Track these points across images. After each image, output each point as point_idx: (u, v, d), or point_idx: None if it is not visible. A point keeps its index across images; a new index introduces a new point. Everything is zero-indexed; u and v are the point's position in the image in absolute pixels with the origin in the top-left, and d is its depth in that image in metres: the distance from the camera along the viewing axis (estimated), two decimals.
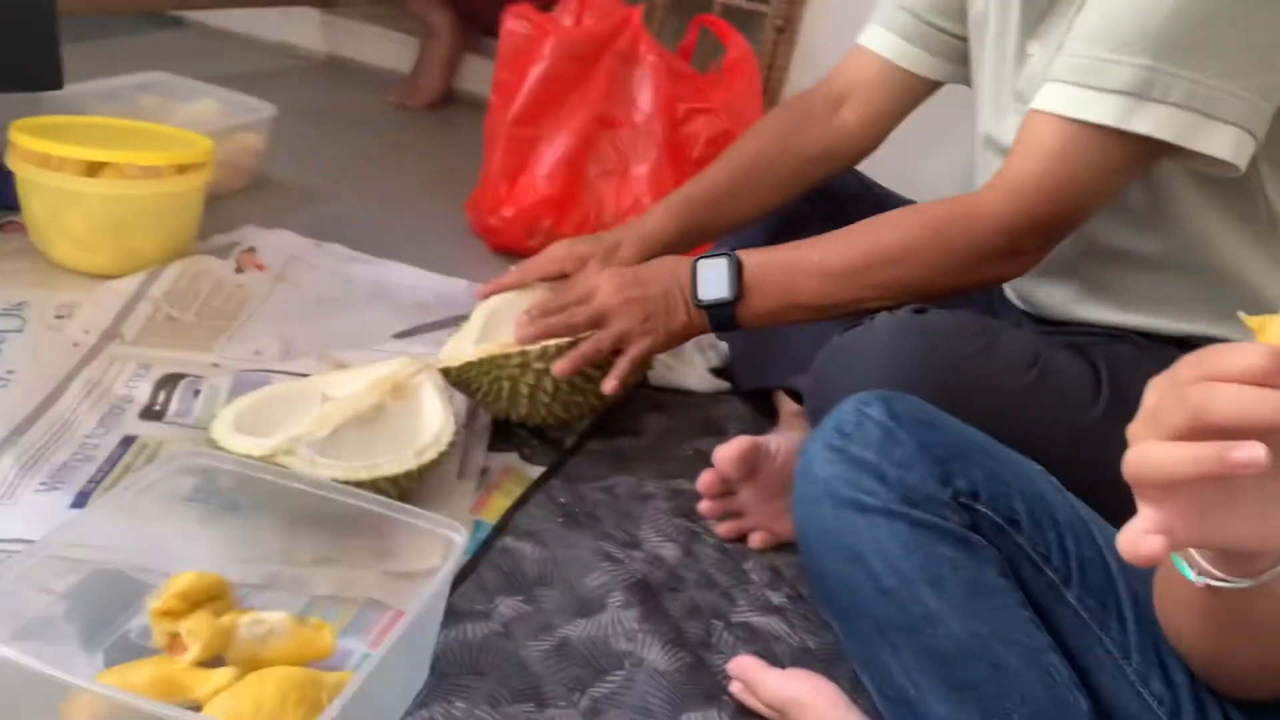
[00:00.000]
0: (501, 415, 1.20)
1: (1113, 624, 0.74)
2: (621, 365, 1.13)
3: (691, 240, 1.29)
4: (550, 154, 1.76)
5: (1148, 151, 0.90)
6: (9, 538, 0.90)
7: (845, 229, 1.05)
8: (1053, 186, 0.93)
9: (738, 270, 1.07)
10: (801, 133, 1.28)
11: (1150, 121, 0.87)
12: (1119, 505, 0.48)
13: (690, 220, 1.27)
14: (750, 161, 1.28)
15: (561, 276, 1.25)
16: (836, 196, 1.30)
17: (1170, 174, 0.96)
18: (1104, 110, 0.88)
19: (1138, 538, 0.46)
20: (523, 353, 1.14)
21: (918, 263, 1.00)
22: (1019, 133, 0.96)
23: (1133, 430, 0.48)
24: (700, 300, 1.09)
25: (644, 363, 1.19)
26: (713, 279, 1.08)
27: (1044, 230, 0.96)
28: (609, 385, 1.13)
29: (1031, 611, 0.74)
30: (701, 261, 1.10)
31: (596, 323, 1.13)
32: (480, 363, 1.15)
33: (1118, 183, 0.94)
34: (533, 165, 1.77)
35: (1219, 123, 0.86)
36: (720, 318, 1.09)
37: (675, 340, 1.14)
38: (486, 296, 1.26)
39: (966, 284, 1.02)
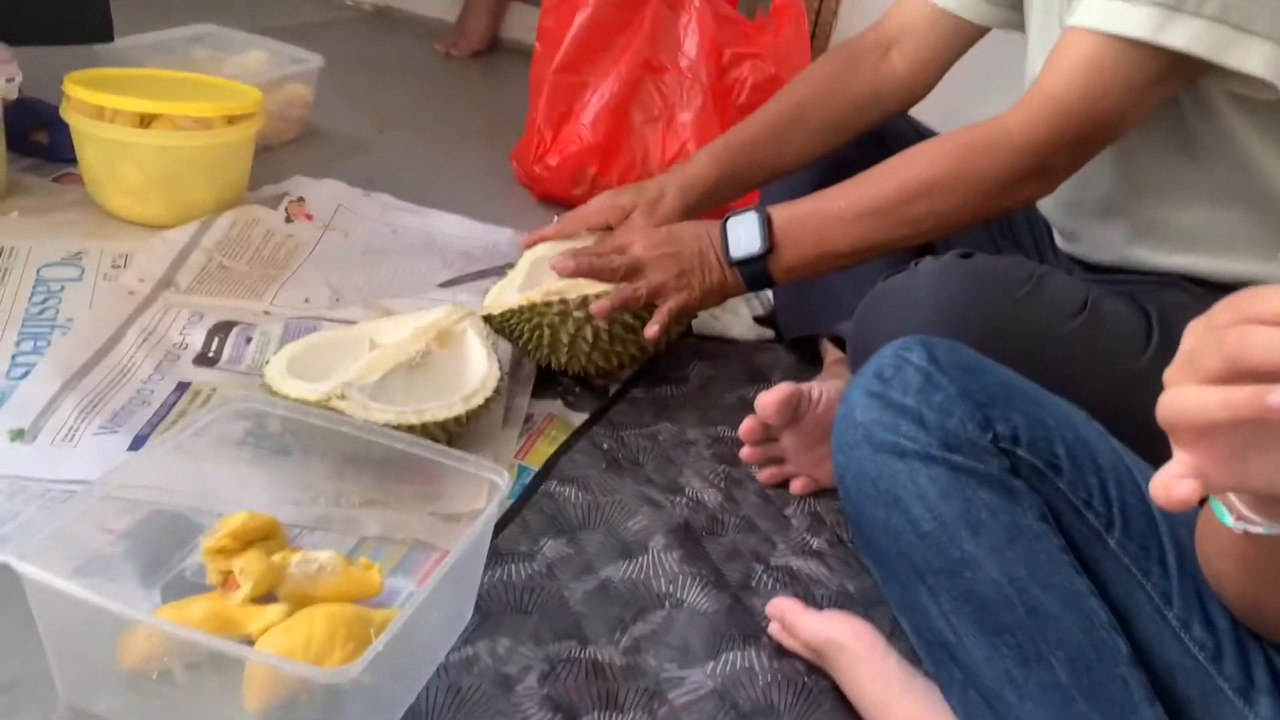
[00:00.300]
0: (543, 362, 1.21)
1: (1154, 569, 0.73)
2: (661, 314, 1.13)
3: (734, 186, 1.28)
4: (595, 101, 1.75)
5: (1181, 68, 0.88)
6: (70, 479, 0.94)
7: (871, 170, 1.04)
8: (1081, 100, 0.91)
9: (767, 224, 1.06)
10: (849, 78, 1.26)
11: (1183, 35, 0.85)
12: (1168, 451, 0.48)
13: (733, 165, 1.26)
14: (796, 106, 1.26)
15: (605, 228, 1.25)
16: (886, 141, 1.28)
17: (1219, 101, 0.93)
18: (1136, 22, 0.86)
19: (1171, 481, 0.46)
20: (563, 301, 1.14)
21: (950, 193, 0.99)
22: (1051, 51, 0.93)
23: (1169, 374, 0.47)
24: (732, 257, 1.09)
25: (684, 317, 1.18)
26: (743, 235, 1.08)
27: (1071, 146, 0.94)
28: (651, 331, 1.13)
29: (1071, 556, 0.74)
30: (731, 219, 1.10)
31: (632, 273, 1.13)
32: (521, 310, 1.16)
33: (1149, 99, 0.91)
34: (578, 113, 1.76)
35: (1255, 37, 0.83)
36: (754, 273, 1.09)
37: (711, 298, 1.14)
38: (531, 245, 1.27)
39: (999, 208, 1.00)
